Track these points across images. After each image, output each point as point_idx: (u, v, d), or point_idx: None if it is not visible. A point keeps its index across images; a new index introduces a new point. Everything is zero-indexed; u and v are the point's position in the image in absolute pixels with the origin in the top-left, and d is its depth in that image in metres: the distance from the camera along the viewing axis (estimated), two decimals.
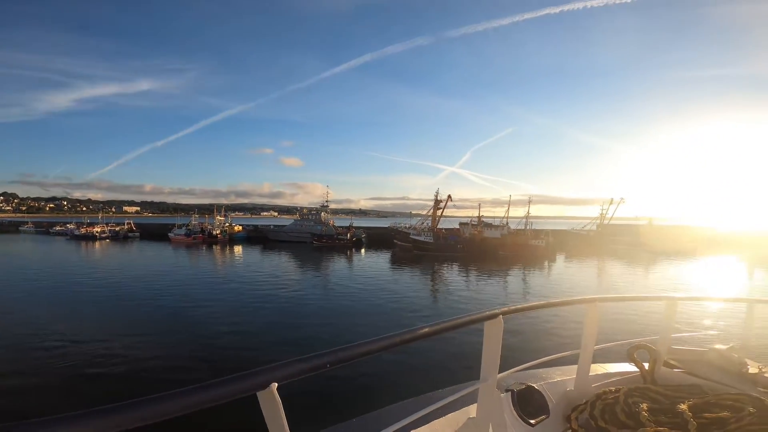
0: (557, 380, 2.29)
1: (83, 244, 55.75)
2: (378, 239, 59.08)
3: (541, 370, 2.35)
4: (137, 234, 69.60)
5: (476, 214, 58.27)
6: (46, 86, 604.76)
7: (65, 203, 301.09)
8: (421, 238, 49.01)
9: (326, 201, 65.49)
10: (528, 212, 55.62)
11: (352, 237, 56.48)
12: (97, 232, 64.89)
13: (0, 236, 70.67)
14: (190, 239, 58.47)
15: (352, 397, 8.65)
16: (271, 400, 1.01)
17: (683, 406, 1.77)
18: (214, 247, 52.67)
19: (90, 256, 41.73)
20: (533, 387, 1.99)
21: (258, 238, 63.69)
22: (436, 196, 54.52)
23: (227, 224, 66.74)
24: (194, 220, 67.37)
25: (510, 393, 1.88)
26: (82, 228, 67.25)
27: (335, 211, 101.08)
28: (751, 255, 44.79)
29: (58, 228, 74.49)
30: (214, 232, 61.22)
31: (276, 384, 1.00)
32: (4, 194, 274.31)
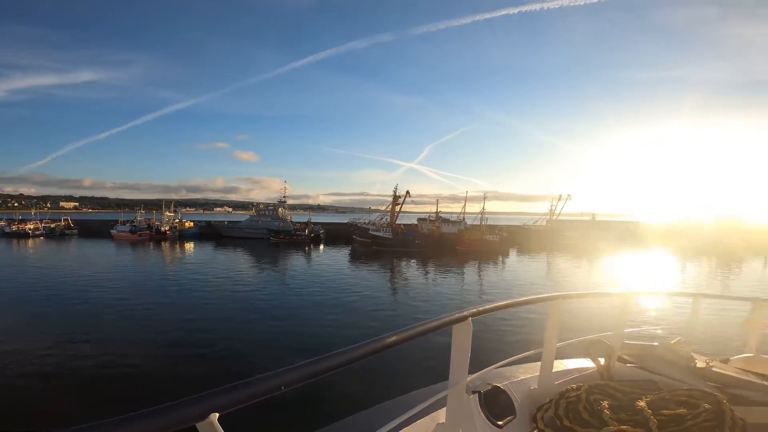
0: (521, 379, 2.28)
1: (15, 242, 50.81)
2: (337, 235, 58.50)
3: (505, 369, 2.33)
4: (75, 231, 64.49)
5: (434, 210, 59.36)
6: None
7: None
8: (380, 234, 49.12)
9: (284, 196, 63.83)
10: (483, 208, 57.41)
11: (310, 233, 55.58)
12: (30, 229, 59.34)
13: None
14: (135, 236, 54.93)
15: (312, 409, 7.43)
16: None
17: (642, 403, 1.80)
18: (162, 244, 49.77)
19: (22, 255, 38.05)
20: (499, 387, 1.98)
21: (211, 234, 61.00)
22: (395, 192, 54.87)
23: (177, 220, 63.32)
24: (140, 216, 63.12)
25: (477, 395, 1.85)
26: (14, 225, 61.17)
27: (293, 207, 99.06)
28: (680, 247, 49.12)
29: None
30: (163, 229, 57.76)
31: (216, 414, 0.81)
32: None
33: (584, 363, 2.61)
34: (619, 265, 36.93)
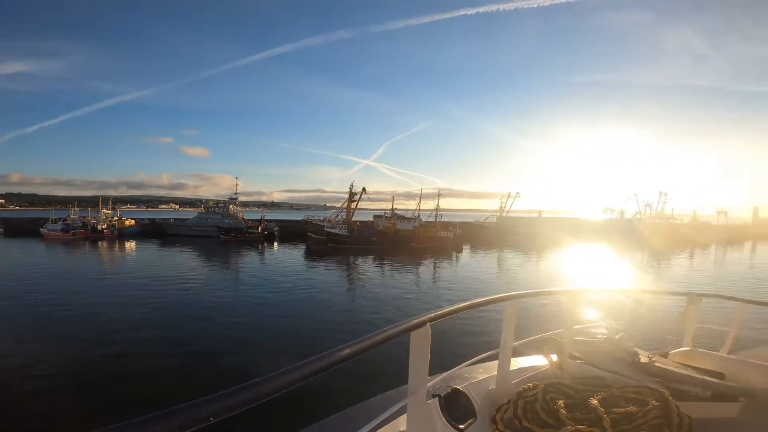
0: (480, 380, 2.28)
1: None
2: (291, 232, 57.22)
3: (464, 370, 2.32)
4: (0, 230, 58.20)
5: (390, 207, 59.79)
6: None
7: None
8: (336, 231, 48.68)
9: (235, 193, 61.37)
10: (438, 205, 58.67)
11: (263, 230, 53.94)
12: None
13: None
14: (68, 235, 50.48)
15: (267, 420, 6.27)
16: None
17: (594, 401, 1.83)
18: (99, 243, 46.16)
19: None
20: (459, 389, 1.95)
21: (155, 233, 57.34)
22: (351, 189, 54.63)
23: (116, 218, 58.99)
24: (73, 213, 57.98)
25: (437, 399, 1.81)
26: None
27: (246, 204, 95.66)
28: (617, 242, 53.13)
29: None
30: (99, 227, 53.66)
31: None
32: None
33: (539, 360, 2.66)
34: (564, 261, 39.20)
